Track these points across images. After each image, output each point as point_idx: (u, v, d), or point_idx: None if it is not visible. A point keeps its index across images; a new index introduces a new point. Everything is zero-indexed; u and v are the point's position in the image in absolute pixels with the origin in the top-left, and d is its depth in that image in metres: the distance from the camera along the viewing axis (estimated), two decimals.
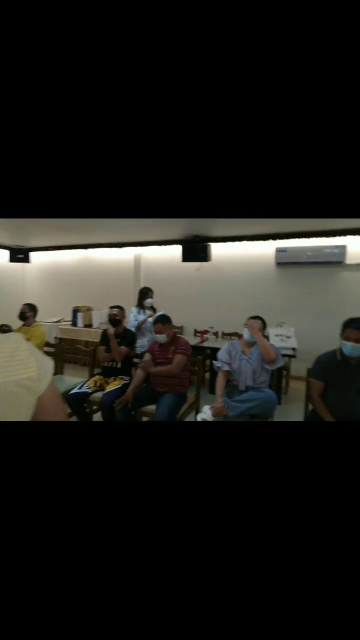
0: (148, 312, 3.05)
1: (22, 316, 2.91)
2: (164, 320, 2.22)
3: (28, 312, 2.92)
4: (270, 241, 3.85)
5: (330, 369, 1.73)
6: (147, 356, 2.29)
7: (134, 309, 3.09)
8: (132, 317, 3.03)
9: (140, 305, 3.10)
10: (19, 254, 5.29)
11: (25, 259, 5.38)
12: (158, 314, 2.89)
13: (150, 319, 2.95)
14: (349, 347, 1.64)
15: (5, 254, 5.30)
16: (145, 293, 3.11)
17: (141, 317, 3.01)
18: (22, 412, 0.67)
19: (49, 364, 0.70)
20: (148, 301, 3.08)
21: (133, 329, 2.85)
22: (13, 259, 5.29)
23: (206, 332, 3.86)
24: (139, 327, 2.93)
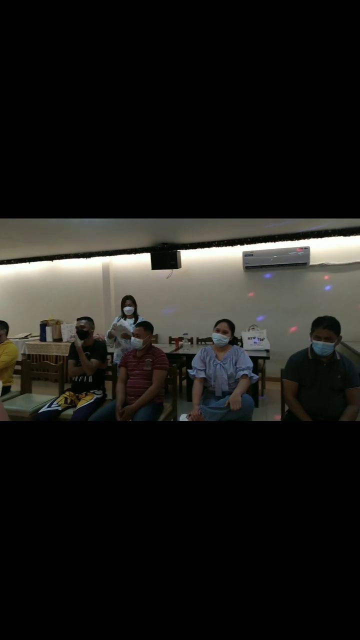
0: (129, 320, 3.02)
1: None
2: (146, 325, 2.19)
3: (0, 330, 2.75)
4: (238, 246, 3.93)
5: (303, 369, 1.75)
6: (121, 370, 2.21)
7: (117, 318, 3.11)
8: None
9: (122, 314, 3.11)
10: None
11: None
12: (140, 320, 2.87)
13: (126, 323, 2.90)
14: (319, 346, 1.67)
15: None
16: (123, 302, 3.11)
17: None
18: None
19: None
20: (126, 309, 3.06)
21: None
22: None
23: (181, 339, 3.82)
24: (111, 333, 2.84)
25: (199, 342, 3.91)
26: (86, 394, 2.32)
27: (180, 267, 4.17)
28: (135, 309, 3.12)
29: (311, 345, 1.73)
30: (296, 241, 3.70)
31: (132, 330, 2.58)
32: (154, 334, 4.35)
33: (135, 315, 3.10)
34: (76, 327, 2.38)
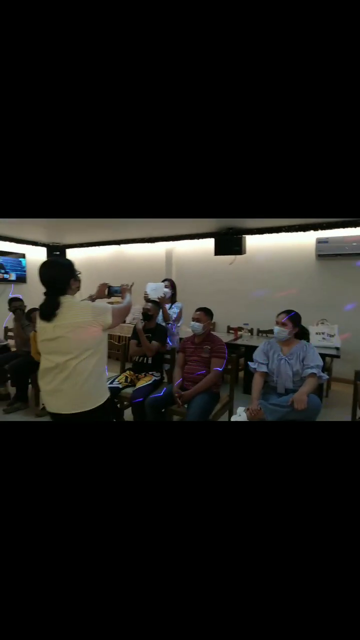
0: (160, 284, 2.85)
1: None
2: (207, 311, 2.16)
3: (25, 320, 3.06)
4: (311, 232, 3.58)
5: None
6: (179, 356, 2.21)
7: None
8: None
9: None
10: (56, 251, 5.45)
11: (62, 256, 5.54)
12: (178, 305, 2.77)
13: (175, 308, 2.82)
14: None
15: (43, 251, 5.50)
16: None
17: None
18: None
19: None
20: (164, 291, 2.95)
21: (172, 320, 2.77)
22: (50, 255, 5.46)
23: (240, 329, 3.70)
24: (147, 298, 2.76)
25: (260, 334, 3.74)
26: (145, 375, 2.39)
27: (245, 253, 3.99)
28: (175, 294, 2.91)
29: None
30: None
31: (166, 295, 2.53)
32: (212, 321, 4.29)
33: (173, 300, 2.89)
34: (142, 309, 2.43)
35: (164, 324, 2.76)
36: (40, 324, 1.29)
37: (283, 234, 3.74)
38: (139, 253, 5.16)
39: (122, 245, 5.16)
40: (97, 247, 5.42)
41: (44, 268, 1.28)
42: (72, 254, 5.80)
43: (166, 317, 2.84)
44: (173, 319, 2.74)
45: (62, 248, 5.55)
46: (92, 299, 1.58)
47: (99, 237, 5.02)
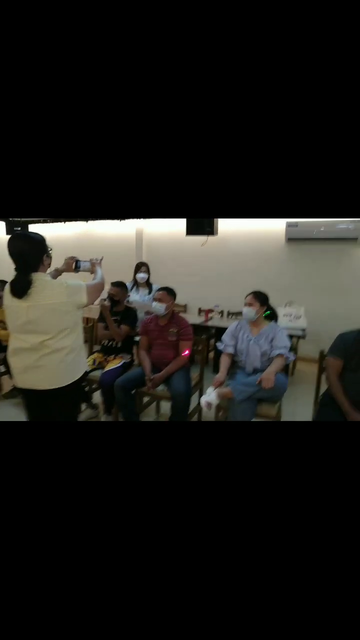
0: (142, 290, 2.94)
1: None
2: (169, 290, 2.09)
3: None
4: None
5: (351, 349, 1.59)
6: (142, 339, 2.16)
7: (128, 284, 2.98)
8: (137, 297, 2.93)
9: (134, 280, 2.99)
10: (17, 227, 5.06)
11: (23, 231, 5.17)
12: (155, 288, 2.77)
13: (137, 297, 2.83)
14: None
15: (1, 225, 5.09)
16: (138, 267, 2.99)
17: (137, 294, 2.88)
18: None
19: None
20: (140, 276, 2.94)
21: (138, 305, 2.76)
22: (10, 231, 5.06)
23: (211, 311, 3.71)
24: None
25: (230, 316, 3.78)
26: (114, 357, 2.33)
27: (217, 234, 3.95)
28: (149, 277, 2.97)
29: None
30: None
31: (148, 302, 2.53)
32: (182, 303, 4.27)
33: (148, 283, 2.95)
34: (108, 294, 2.34)
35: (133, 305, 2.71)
36: (11, 301, 1.21)
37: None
38: (108, 232, 4.95)
39: (90, 223, 4.91)
40: (62, 224, 5.11)
41: (15, 241, 1.20)
42: (35, 230, 5.44)
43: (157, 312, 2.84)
44: (163, 312, 2.73)
45: (24, 224, 5.17)
46: (58, 273, 1.49)
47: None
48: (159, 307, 2.04)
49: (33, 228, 5.33)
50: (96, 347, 2.57)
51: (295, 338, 3.08)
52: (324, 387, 1.88)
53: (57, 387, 1.27)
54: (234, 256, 4.10)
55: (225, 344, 1.98)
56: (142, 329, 2.20)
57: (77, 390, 1.42)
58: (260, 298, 1.90)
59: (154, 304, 2.07)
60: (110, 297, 2.31)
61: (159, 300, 2.05)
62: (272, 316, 2.01)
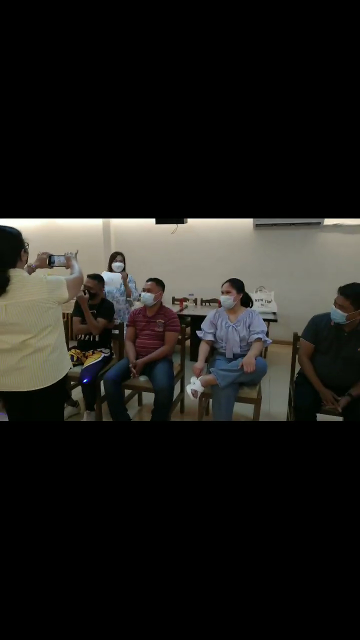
0: (116, 274, 2.87)
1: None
2: (158, 281, 2.09)
3: None
4: None
5: (322, 333, 1.70)
6: (129, 330, 2.15)
7: (105, 274, 2.93)
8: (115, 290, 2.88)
9: (110, 270, 2.94)
10: None
11: None
12: (130, 278, 2.76)
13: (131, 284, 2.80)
14: (332, 312, 1.61)
15: None
16: (113, 257, 2.95)
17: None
18: None
19: None
20: (116, 265, 2.90)
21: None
22: None
23: (185, 299, 3.74)
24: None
25: (204, 303, 3.84)
26: (93, 352, 2.29)
27: (186, 222, 3.95)
28: (125, 267, 2.93)
29: None
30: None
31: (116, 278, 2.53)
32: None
33: (124, 272, 2.91)
34: (85, 286, 2.27)
35: (124, 301, 2.69)
36: None
37: None
38: (74, 224, 4.74)
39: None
40: (24, 218, 4.81)
41: None
42: None
43: (129, 294, 2.77)
44: (136, 296, 2.69)
45: None
46: (31, 269, 1.42)
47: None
48: (148, 298, 2.04)
49: None
50: (72, 343, 2.50)
51: (267, 322, 3.20)
52: (298, 367, 1.99)
53: (41, 387, 1.23)
54: (204, 244, 4.13)
55: (205, 331, 2.02)
56: (130, 319, 2.18)
57: (62, 389, 1.38)
58: (237, 285, 1.95)
59: (143, 294, 2.06)
60: (87, 289, 2.24)
61: (148, 290, 2.04)
62: (247, 302, 2.07)
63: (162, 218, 3.84)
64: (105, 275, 2.71)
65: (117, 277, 2.79)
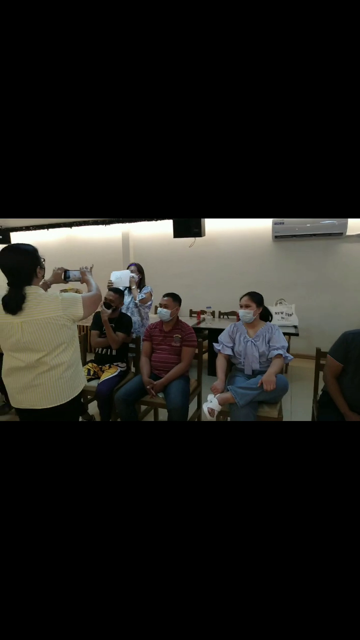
0: (125, 271, 2.79)
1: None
2: (174, 296, 2.06)
3: None
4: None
5: (353, 351, 1.57)
6: (145, 344, 2.12)
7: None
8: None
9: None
10: None
11: (5, 240, 5.02)
12: (146, 289, 2.71)
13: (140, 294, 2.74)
14: None
15: None
16: (127, 268, 2.89)
17: (129, 296, 2.81)
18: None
19: None
20: (131, 276, 2.84)
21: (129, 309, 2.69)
22: None
23: (203, 312, 3.70)
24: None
25: (222, 316, 3.78)
26: (110, 367, 2.28)
27: (204, 235, 3.94)
28: (142, 278, 2.82)
29: None
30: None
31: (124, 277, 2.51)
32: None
33: (142, 284, 2.81)
34: (106, 299, 2.28)
35: (133, 310, 2.66)
36: (3, 318, 1.15)
37: None
38: (93, 237, 4.86)
39: (74, 228, 4.82)
40: (45, 230, 5.00)
41: (7, 254, 1.14)
42: (17, 239, 5.29)
43: (136, 299, 2.74)
44: (168, 319, 2.66)
45: (5, 231, 5.02)
46: (47, 285, 1.43)
47: (47, 220, 4.62)
48: (164, 313, 2.02)
49: (14, 236, 5.19)
50: (89, 356, 2.51)
51: (288, 336, 3.10)
52: (321, 384, 1.89)
53: (56, 405, 1.22)
54: (222, 256, 4.10)
55: (224, 344, 1.96)
56: (146, 334, 2.16)
57: (77, 406, 1.37)
58: (256, 299, 1.89)
59: (159, 310, 2.05)
60: (108, 303, 2.25)
61: (164, 306, 2.03)
62: (267, 316, 2.00)
63: (179, 229, 3.86)
64: (114, 275, 2.65)
65: (124, 273, 2.68)
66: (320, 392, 1.87)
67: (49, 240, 5.18)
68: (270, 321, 2.01)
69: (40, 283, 1.29)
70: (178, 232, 3.91)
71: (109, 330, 2.17)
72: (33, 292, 1.16)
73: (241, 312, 1.89)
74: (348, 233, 3.43)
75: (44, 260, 1.26)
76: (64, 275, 1.50)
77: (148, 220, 4.22)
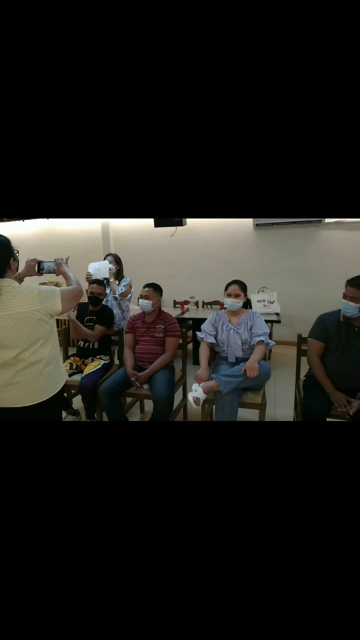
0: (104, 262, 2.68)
1: None
2: (155, 287, 2.03)
3: None
4: None
5: (331, 330, 1.63)
6: (128, 336, 2.10)
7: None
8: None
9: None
10: None
11: None
12: (126, 281, 2.64)
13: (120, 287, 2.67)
14: (343, 306, 1.55)
15: None
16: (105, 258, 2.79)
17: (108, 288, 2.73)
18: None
19: None
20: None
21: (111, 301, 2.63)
22: None
23: (186, 302, 3.69)
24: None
25: (205, 306, 3.79)
26: (92, 360, 2.24)
27: (185, 224, 3.90)
28: (120, 269, 2.74)
29: None
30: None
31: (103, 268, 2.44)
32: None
33: (120, 275, 2.72)
34: (91, 292, 2.22)
35: (113, 303, 2.60)
36: None
37: None
38: (72, 228, 4.72)
39: (51, 220, 4.65)
40: (21, 222, 4.80)
41: None
42: None
43: (115, 293, 2.67)
44: (119, 293, 2.58)
45: None
46: (19, 278, 1.37)
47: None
48: (146, 304, 1.99)
49: None
50: (71, 350, 2.46)
51: (270, 323, 3.14)
52: (303, 370, 1.93)
53: (37, 402, 1.19)
54: (204, 246, 4.08)
55: (206, 332, 1.96)
56: (128, 326, 2.13)
57: (58, 402, 1.34)
58: (243, 287, 1.90)
59: (141, 301, 2.00)
60: (93, 295, 2.21)
61: (145, 297, 1.99)
62: (247, 303, 2.02)
63: (161, 218, 3.80)
64: (91, 266, 2.53)
65: (103, 264, 2.56)
66: (302, 378, 1.91)
67: (25, 232, 4.99)
68: (250, 309, 2.03)
69: (14, 275, 1.23)
70: (159, 222, 3.85)
71: (82, 328, 2.13)
72: (7, 285, 1.11)
73: (229, 301, 1.89)
74: (327, 220, 3.48)
75: (18, 252, 1.20)
76: (37, 267, 1.43)
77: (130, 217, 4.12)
